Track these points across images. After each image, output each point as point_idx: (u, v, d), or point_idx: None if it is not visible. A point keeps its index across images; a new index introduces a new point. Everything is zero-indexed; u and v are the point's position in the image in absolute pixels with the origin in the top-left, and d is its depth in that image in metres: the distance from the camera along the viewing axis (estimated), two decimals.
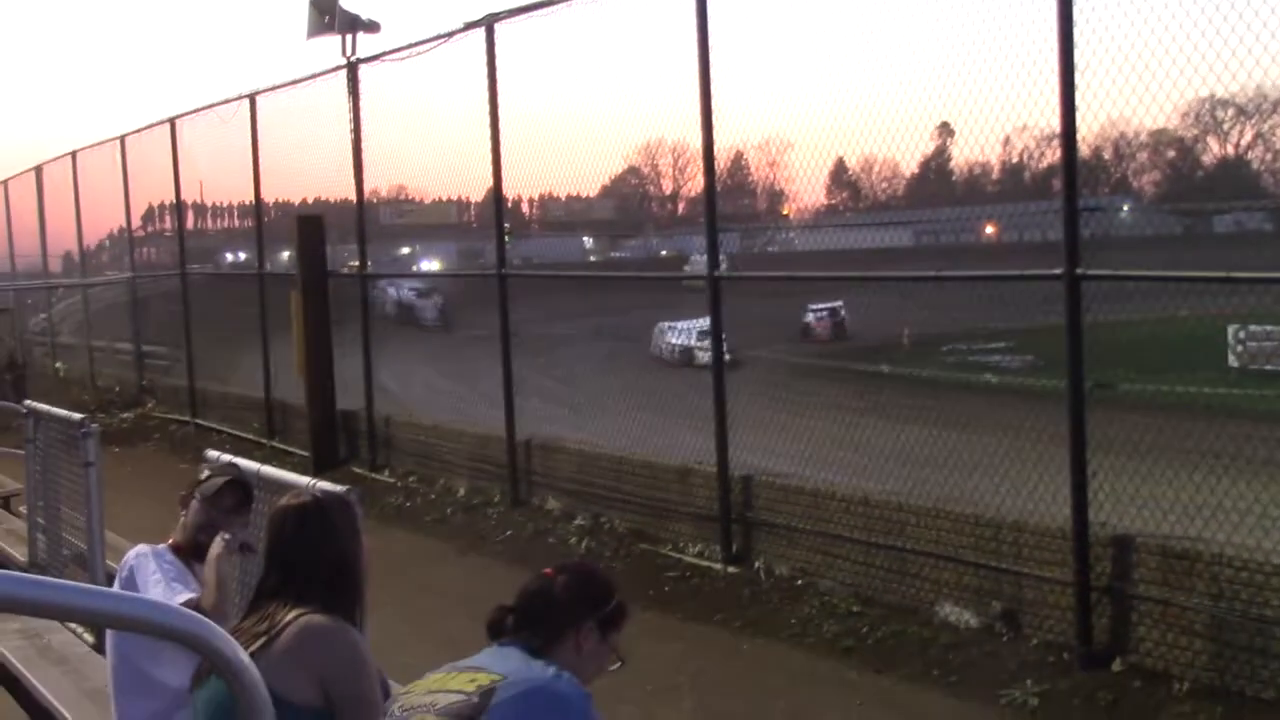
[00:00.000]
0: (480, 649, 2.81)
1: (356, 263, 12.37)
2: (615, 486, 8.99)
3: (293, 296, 12.61)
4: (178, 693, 3.51)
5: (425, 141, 11.68)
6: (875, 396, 9.76)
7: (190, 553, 3.91)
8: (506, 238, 10.10)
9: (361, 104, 11.61)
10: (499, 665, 2.67)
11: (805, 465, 7.93)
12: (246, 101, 13.39)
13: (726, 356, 8.35)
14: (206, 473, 4.20)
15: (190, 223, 16.89)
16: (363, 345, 12.04)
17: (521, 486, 9.89)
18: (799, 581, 7.42)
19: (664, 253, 20.45)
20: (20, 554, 7.32)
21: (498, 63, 9.60)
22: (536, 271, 14.10)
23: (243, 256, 17.50)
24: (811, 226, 11.05)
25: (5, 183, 24.11)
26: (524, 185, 10.99)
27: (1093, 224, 5.95)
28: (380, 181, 13.12)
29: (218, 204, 18.30)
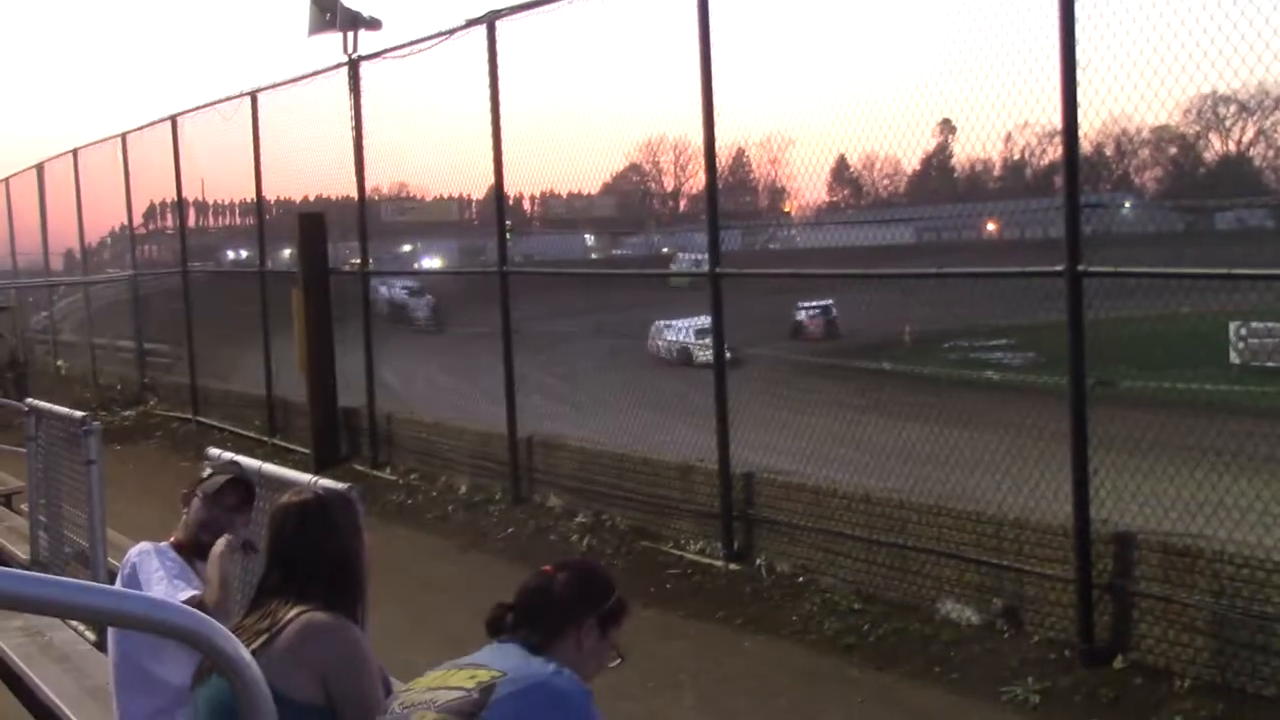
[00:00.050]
0: (481, 646, 2.81)
1: (358, 260, 12.37)
2: (616, 484, 8.99)
3: (294, 294, 12.62)
4: (179, 690, 3.51)
5: (427, 139, 11.70)
6: (876, 394, 9.74)
7: (192, 550, 3.91)
8: (508, 235, 10.10)
9: (363, 101, 11.61)
10: (499, 662, 2.67)
11: (806, 463, 7.93)
12: (248, 99, 13.39)
13: (728, 354, 8.36)
14: (208, 471, 4.21)
15: (192, 220, 16.89)
16: (364, 343, 12.04)
17: (523, 484, 9.89)
18: (800, 579, 7.42)
19: (665, 250, 20.44)
20: (22, 552, 7.32)
21: (499, 60, 9.60)
22: (538, 269, 14.10)
23: (244, 254, 17.52)
24: (813, 224, 11.04)
25: (7, 180, 24.11)
26: (525, 182, 11.00)
27: (1094, 221, 5.95)
28: (381, 179, 13.13)
29: (219, 201, 18.32)
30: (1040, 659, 5.97)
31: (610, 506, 9.00)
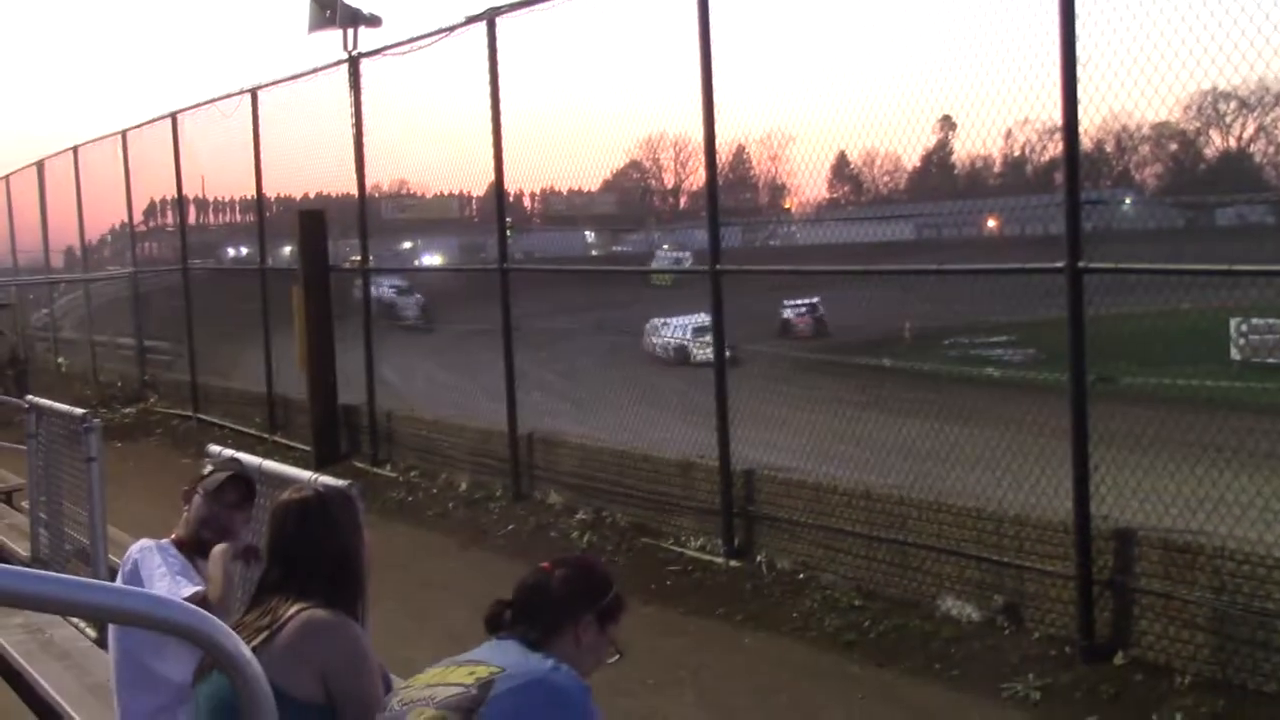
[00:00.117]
0: (481, 643, 2.81)
1: (358, 258, 12.37)
2: (617, 481, 8.99)
3: (294, 291, 12.62)
4: (180, 687, 3.51)
5: (427, 136, 11.71)
6: (877, 390, 9.74)
7: (193, 548, 3.91)
8: (508, 232, 10.10)
9: (363, 98, 11.60)
10: (498, 658, 2.67)
11: (806, 459, 7.93)
12: (248, 96, 13.38)
13: (727, 353, 8.35)
14: (209, 468, 4.21)
15: (192, 217, 16.89)
16: (364, 340, 12.05)
17: (523, 481, 9.89)
18: (801, 575, 7.42)
19: (665, 246, 20.42)
20: (22, 549, 7.33)
21: (499, 57, 9.59)
22: (539, 266, 14.10)
23: (244, 251, 17.51)
24: (813, 220, 11.03)
25: (7, 178, 24.11)
26: (526, 179, 11.00)
27: (1094, 217, 5.95)
28: (382, 176, 13.13)
29: (219, 199, 18.30)
30: (1041, 655, 5.97)
31: (611, 503, 9.00)
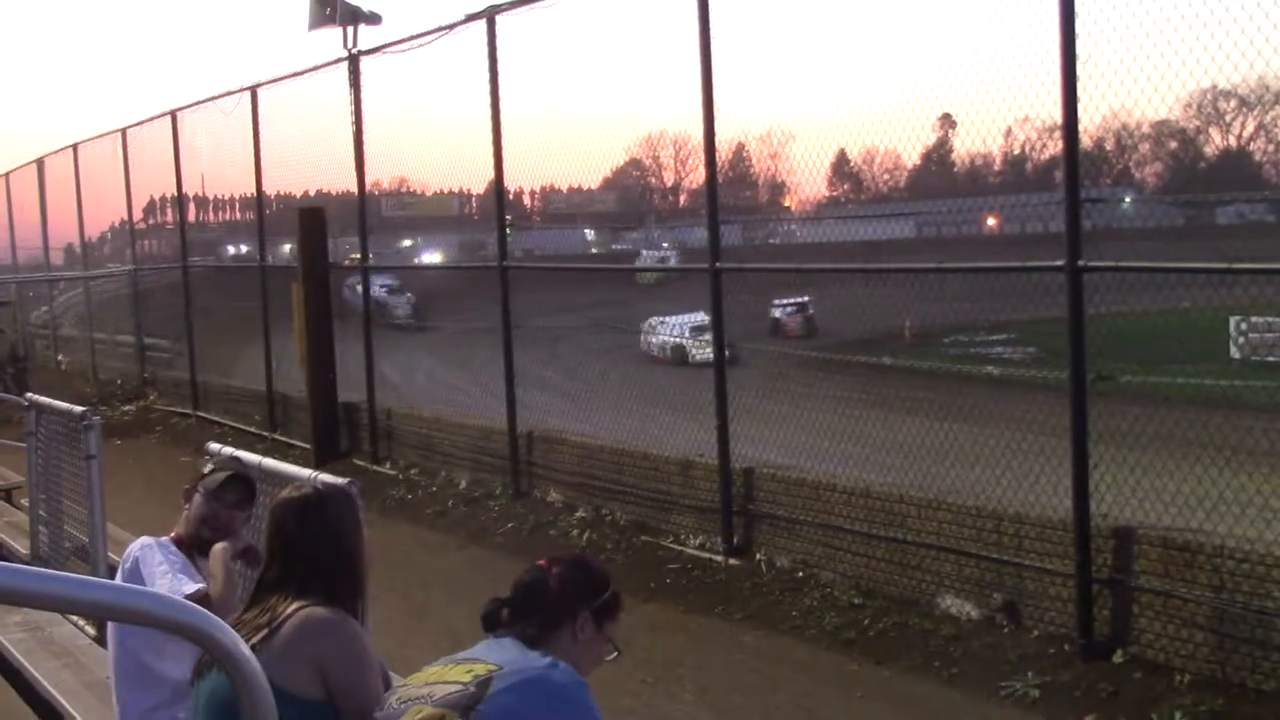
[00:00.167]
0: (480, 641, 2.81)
1: (358, 255, 12.37)
2: (616, 479, 8.99)
3: (294, 289, 12.62)
4: (179, 685, 3.52)
5: (427, 134, 11.73)
6: (876, 389, 9.75)
7: (193, 546, 3.92)
8: (508, 230, 10.10)
9: (363, 96, 11.60)
10: (496, 656, 2.67)
11: (805, 457, 7.93)
12: (248, 94, 13.37)
13: (727, 351, 8.34)
14: (210, 466, 4.21)
15: (192, 215, 16.88)
16: (364, 338, 12.04)
17: (523, 479, 9.90)
18: (800, 573, 7.42)
19: (665, 245, 20.42)
20: (22, 547, 7.33)
21: (499, 55, 9.58)
22: (538, 264, 14.09)
23: (244, 249, 17.51)
24: (812, 218, 11.04)
25: (7, 175, 24.11)
26: (526, 177, 11.00)
27: (1094, 215, 5.95)
28: (382, 174, 13.15)
29: (219, 197, 18.30)
30: (1040, 654, 5.97)
31: (610, 501, 9.00)
